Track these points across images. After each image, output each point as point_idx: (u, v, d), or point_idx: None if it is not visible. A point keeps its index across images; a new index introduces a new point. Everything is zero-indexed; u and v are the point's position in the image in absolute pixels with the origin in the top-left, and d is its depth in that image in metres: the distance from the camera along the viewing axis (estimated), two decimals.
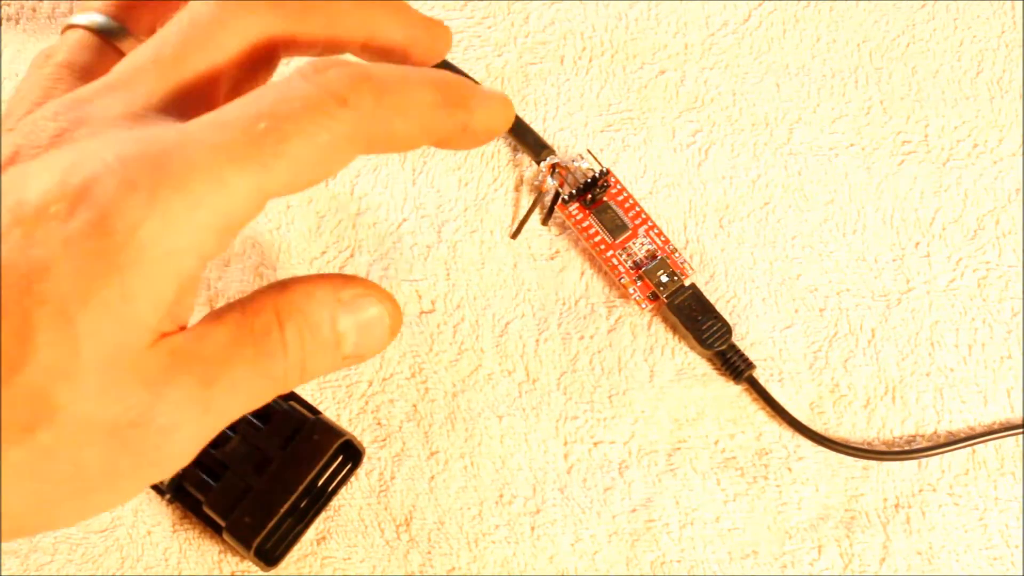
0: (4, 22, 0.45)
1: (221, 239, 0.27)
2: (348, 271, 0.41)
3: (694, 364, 0.40)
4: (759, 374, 0.40)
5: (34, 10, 0.45)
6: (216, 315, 0.28)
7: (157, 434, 0.26)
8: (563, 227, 0.42)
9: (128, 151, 0.26)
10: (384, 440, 0.40)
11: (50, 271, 0.25)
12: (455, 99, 0.30)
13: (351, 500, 0.39)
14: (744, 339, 0.40)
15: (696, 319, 0.40)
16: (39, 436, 0.25)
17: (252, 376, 0.28)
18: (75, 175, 0.26)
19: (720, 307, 0.41)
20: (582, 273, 0.41)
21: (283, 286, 0.29)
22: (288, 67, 0.29)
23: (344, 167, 0.28)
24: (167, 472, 0.27)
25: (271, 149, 0.26)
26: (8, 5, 0.45)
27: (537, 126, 0.43)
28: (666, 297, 0.40)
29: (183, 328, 0.27)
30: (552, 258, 0.42)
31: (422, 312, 0.41)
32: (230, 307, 0.28)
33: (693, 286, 0.40)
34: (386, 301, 0.31)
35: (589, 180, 0.41)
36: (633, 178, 0.42)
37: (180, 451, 0.27)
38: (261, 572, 0.38)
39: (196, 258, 0.26)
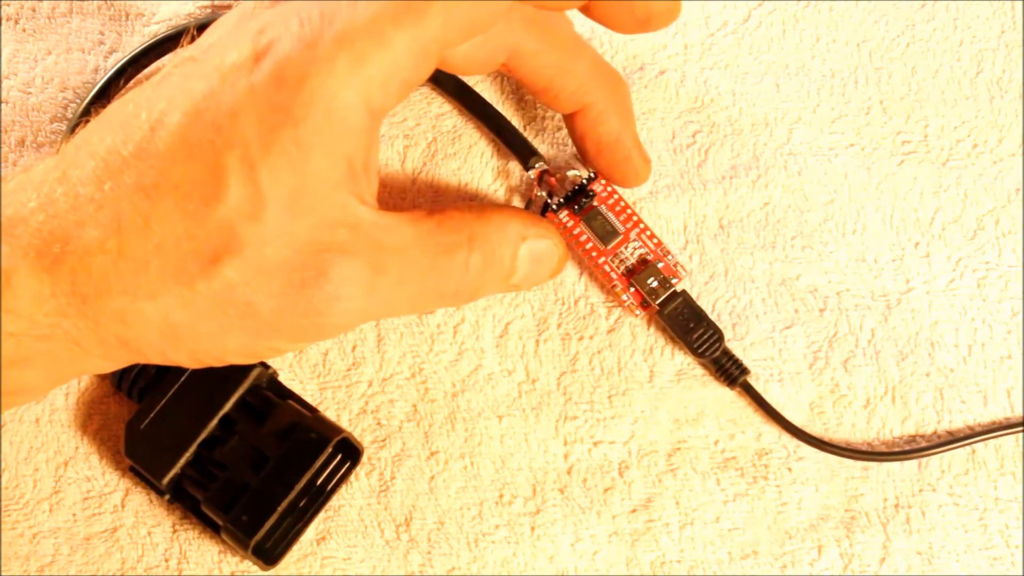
0: (4, 22, 0.45)
1: (388, 92, 0.28)
2: None
3: (694, 365, 0.40)
4: (759, 374, 0.40)
5: (34, 10, 0.45)
6: (412, 216, 0.30)
7: (323, 299, 0.28)
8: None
9: (308, 13, 0.28)
10: (384, 440, 0.40)
11: (237, 117, 0.27)
12: None
13: (351, 500, 0.39)
14: (744, 339, 0.40)
15: (688, 327, 0.39)
16: (224, 270, 0.27)
17: (422, 281, 0.30)
18: (264, 36, 0.28)
19: (719, 307, 0.41)
20: (581, 273, 0.41)
21: (481, 212, 0.32)
22: None
23: (500, 14, 0.29)
24: (325, 335, 0.30)
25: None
26: (8, 5, 0.45)
27: (536, 127, 0.43)
28: (657, 304, 0.40)
29: (371, 207, 0.29)
30: None
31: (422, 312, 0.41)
32: (430, 215, 0.31)
33: (684, 293, 0.40)
34: (560, 245, 0.35)
35: (578, 187, 0.41)
36: None
37: (340, 322, 0.29)
38: (261, 572, 0.38)
39: (365, 111, 0.28)
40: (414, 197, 0.42)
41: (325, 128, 0.27)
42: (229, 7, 0.44)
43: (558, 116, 0.43)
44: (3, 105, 0.44)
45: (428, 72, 0.29)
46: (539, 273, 0.34)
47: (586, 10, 0.34)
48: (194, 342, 0.29)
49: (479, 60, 0.31)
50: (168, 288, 0.27)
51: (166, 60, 0.44)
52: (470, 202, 0.33)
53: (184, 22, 0.44)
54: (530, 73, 0.35)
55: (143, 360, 0.30)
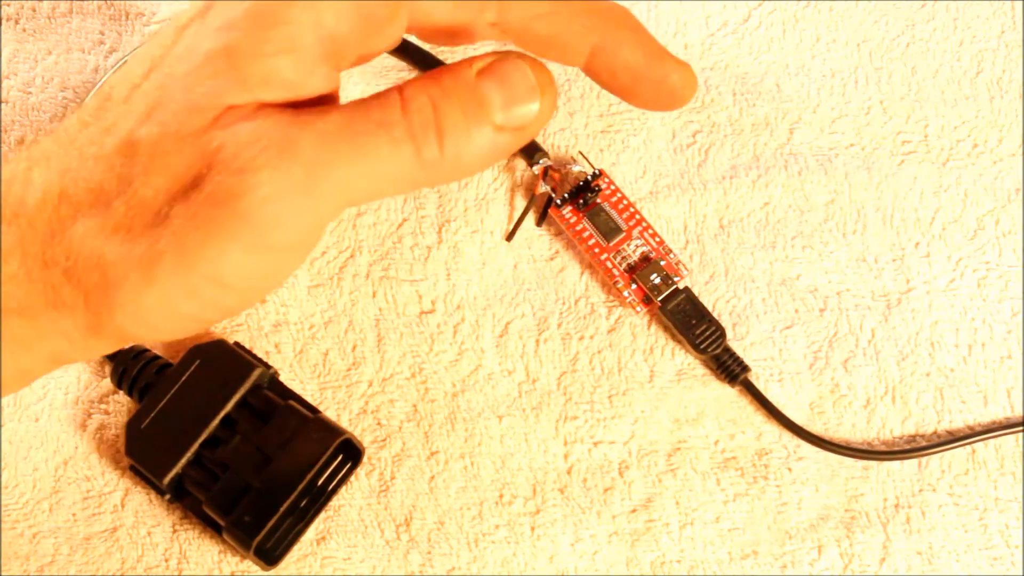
0: (4, 22, 0.45)
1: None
2: (348, 271, 0.42)
3: (694, 364, 0.40)
4: (758, 375, 0.40)
5: (34, 10, 0.45)
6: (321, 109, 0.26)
7: (254, 206, 0.25)
8: (560, 228, 0.42)
9: None
10: (384, 440, 0.40)
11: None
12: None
13: (351, 500, 0.39)
14: (744, 339, 0.40)
15: (690, 323, 0.40)
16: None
17: (361, 153, 0.26)
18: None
19: (720, 307, 0.41)
20: (582, 273, 0.41)
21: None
22: None
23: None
24: (288, 257, 0.26)
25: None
26: (8, 5, 0.45)
27: None
28: (660, 300, 0.40)
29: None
30: (552, 258, 0.42)
31: (422, 312, 0.41)
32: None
33: (687, 289, 0.40)
34: (525, 58, 0.28)
35: (582, 183, 0.41)
36: (633, 179, 0.42)
37: (279, 222, 0.25)
38: (261, 572, 0.38)
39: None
40: (415, 197, 0.42)
41: None
42: None
43: (560, 115, 0.43)
44: (3, 105, 0.44)
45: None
46: (520, 93, 0.27)
47: (592, 73, 0.31)
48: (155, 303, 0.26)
49: (461, 20, 0.28)
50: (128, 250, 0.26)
51: None
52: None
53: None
54: (525, 30, 0.30)
55: (116, 335, 0.28)
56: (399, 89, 0.26)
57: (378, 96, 0.26)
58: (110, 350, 0.28)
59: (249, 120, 0.25)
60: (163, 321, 0.27)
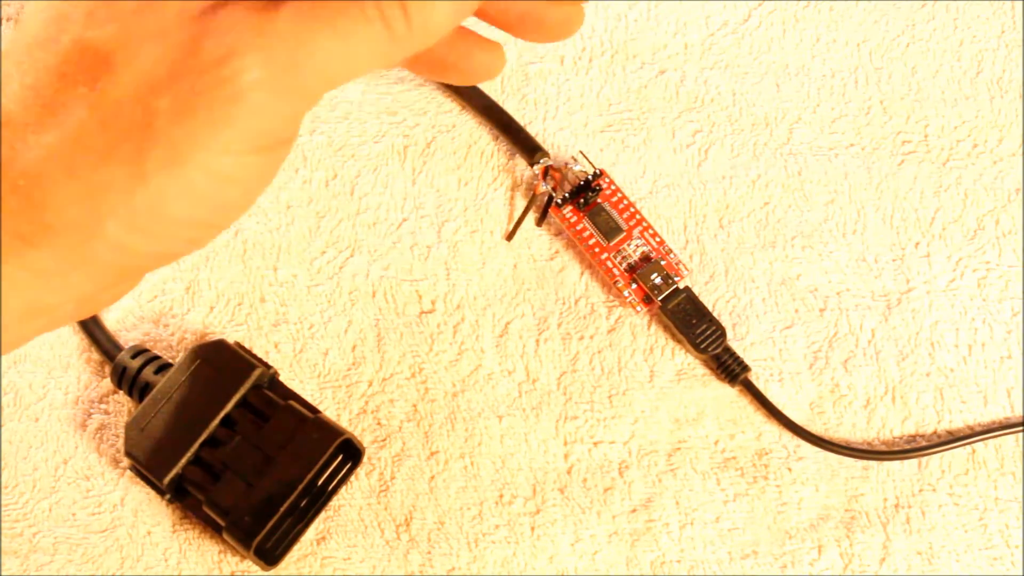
0: (4, 22, 0.45)
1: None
2: (348, 271, 0.41)
3: (694, 364, 0.40)
4: (758, 375, 0.40)
5: None
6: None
7: (215, 65, 0.25)
8: (560, 228, 0.42)
9: None
10: (384, 440, 0.40)
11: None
12: None
13: (351, 500, 0.39)
14: (744, 339, 0.40)
15: (691, 323, 0.40)
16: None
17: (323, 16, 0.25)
18: None
19: (720, 307, 0.41)
20: (582, 273, 0.41)
21: None
22: None
23: None
24: (248, 119, 0.25)
25: None
26: (8, 5, 0.45)
27: (537, 126, 0.43)
28: (660, 300, 0.40)
29: None
30: (552, 258, 0.42)
31: (422, 312, 0.41)
32: None
33: (687, 289, 0.40)
34: None
35: (582, 183, 0.41)
36: (633, 178, 0.42)
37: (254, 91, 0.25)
38: (261, 572, 0.38)
39: None
40: (415, 197, 0.42)
41: None
42: None
43: (560, 114, 0.43)
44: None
45: None
46: None
47: (482, 14, 0.30)
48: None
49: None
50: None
51: None
52: None
53: None
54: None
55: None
56: None
57: None
58: (94, 286, 0.26)
59: (221, 8, 0.25)
60: (158, 227, 0.25)
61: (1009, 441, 0.39)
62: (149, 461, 0.37)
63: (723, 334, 0.39)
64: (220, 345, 0.39)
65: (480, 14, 0.32)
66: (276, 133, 0.26)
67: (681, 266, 0.40)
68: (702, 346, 0.39)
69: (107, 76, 0.25)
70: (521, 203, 0.42)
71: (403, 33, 0.26)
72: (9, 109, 0.25)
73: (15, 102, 0.25)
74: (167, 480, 0.37)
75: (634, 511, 0.39)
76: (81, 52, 0.25)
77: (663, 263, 0.40)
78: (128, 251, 0.26)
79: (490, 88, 0.43)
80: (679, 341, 0.40)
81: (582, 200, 0.41)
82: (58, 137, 0.25)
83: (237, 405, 0.38)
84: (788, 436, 0.39)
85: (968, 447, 0.39)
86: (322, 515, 0.39)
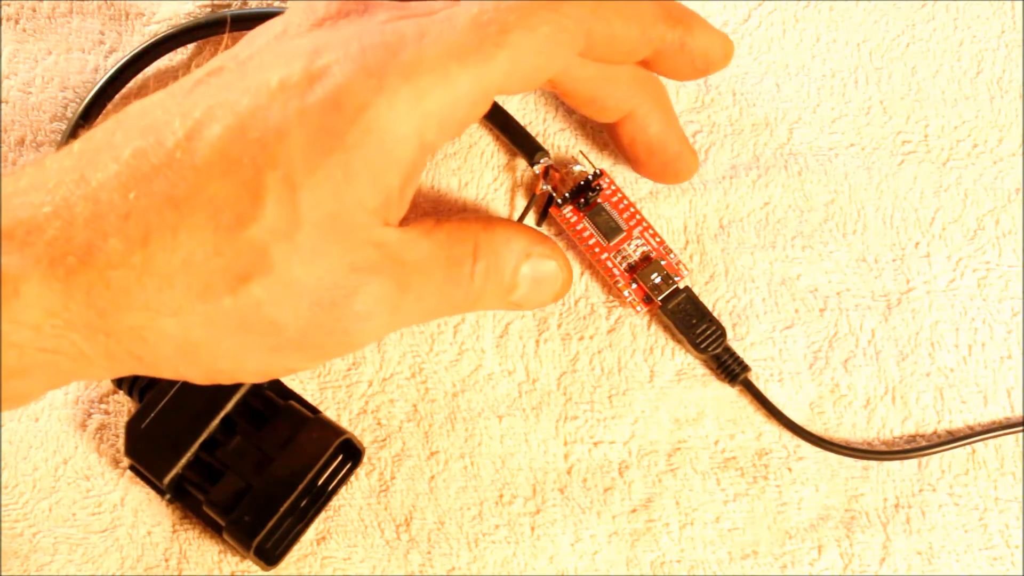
0: (4, 22, 0.45)
1: (443, 129, 0.28)
2: None
3: (694, 364, 0.40)
4: (758, 375, 0.40)
5: (34, 10, 0.45)
6: (425, 229, 0.30)
7: (350, 318, 0.28)
8: (560, 228, 0.42)
9: (371, 41, 0.27)
10: (384, 440, 0.40)
11: (284, 137, 0.27)
12: (677, 15, 0.33)
13: (351, 500, 0.39)
14: (744, 339, 0.40)
15: (691, 323, 0.40)
16: (252, 288, 0.27)
17: (437, 294, 0.30)
18: (319, 58, 0.27)
19: (720, 307, 0.41)
20: (582, 273, 0.41)
21: (488, 223, 0.32)
22: None
23: (562, 64, 0.29)
24: (345, 352, 0.30)
25: (493, 40, 0.27)
26: (8, 5, 0.45)
27: (537, 126, 0.43)
28: (660, 300, 0.40)
29: (397, 225, 0.29)
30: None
31: None
32: (439, 225, 0.31)
33: (688, 289, 0.40)
34: (564, 268, 0.34)
35: (582, 183, 0.41)
36: (633, 178, 0.42)
37: (364, 339, 0.29)
38: (261, 572, 0.38)
39: (418, 146, 0.28)
40: (414, 197, 0.42)
41: (376, 158, 0.27)
42: (228, 6, 0.44)
43: (560, 115, 0.43)
44: (3, 105, 0.44)
45: (482, 113, 0.29)
46: (541, 294, 0.33)
47: (645, 63, 0.33)
48: (212, 360, 0.28)
49: (531, 86, 0.31)
50: (192, 306, 0.27)
51: (193, 66, 0.44)
52: (477, 214, 0.33)
53: (184, 22, 0.44)
54: (575, 87, 0.34)
55: (152, 374, 0.29)
56: (473, 257, 0.31)
57: (459, 247, 0.31)
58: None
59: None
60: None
61: (1009, 441, 0.39)
62: (149, 461, 0.37)
63: (723, 334, 0.39)
64: None
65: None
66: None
67: (681, 266, 0.40)
68: (702, 346, 0.39)
69: None
70: (521, 203, 0.42)
71: (459, 304, 0.32)
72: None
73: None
74: (167, 480, 0.37)
75: (634, 511, 0.39)
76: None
77: (663, 263, 0.40)
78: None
79: None
80: (679, 341, 0.40)
81: (582, 200, 0.41)
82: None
83: (237, 405, 0.38)
84: (788, 436, 0.39)
85: (968, 447, 0.39)
86: (322, 515, 0.39)
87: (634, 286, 0.40)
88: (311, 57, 0.27)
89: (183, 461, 0.37)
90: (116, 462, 0.40)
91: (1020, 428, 0.39)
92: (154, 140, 0.27)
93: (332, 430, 0.37)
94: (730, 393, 0.40)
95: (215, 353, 0.28)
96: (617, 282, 0.40)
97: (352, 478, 0.39)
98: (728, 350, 0.39)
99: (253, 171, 0.26)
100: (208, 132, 0.27)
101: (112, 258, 0.26)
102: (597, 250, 0.40)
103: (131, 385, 0.39)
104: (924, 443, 0.39)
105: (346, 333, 0.28)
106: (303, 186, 0.27)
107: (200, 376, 0.29)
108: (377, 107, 0.27)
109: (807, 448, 0.39)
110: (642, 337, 0.40)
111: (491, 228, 0.32)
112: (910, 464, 0.39)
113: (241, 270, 0.27)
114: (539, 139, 0.42)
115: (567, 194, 0.41)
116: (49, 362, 0.27)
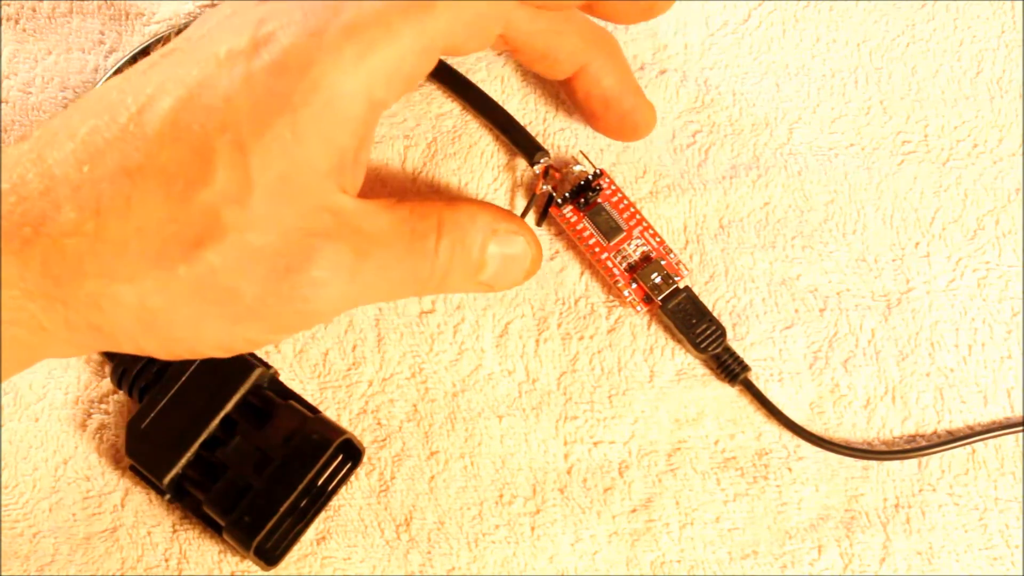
0: (4, 22, 0.45)
1: (391, 85, 0.28)
2: None
3: (694, 364, 0.40)
4: (758, 375, 0.40)
5: (34, 10, 0.45)
6: (387, 204, 0.31)
7: (307, 285, 0.28)
8: (560, 228, 0.42)
9: (312, 6, 0.28)
10: (384, 440, 0.40)
11: (232, 102, 0.27)
12: None
13: (351, 500, 0.39)
14: (744, 339, 0.40)
15: (691, 322, 0.40)
16: (206, 254, 0.27)
17: (399, 267, 0.30)
18: (264, 26, 0.28)
19: (720, 307, 0.41)
20: (582, 273, 0.41)
21: (452, 201, 0.32)
22: None
23: (504, 12, 0.30)
24: (305, 324, 0.30)
25: None
26: (8, 5, 0.45)
27: (537, 126, 0.43)
28: (660, 300, 0.40)
29: (352, 197, 0.29)
30: (552, 258, 0.42)
31: (422, 312, 0.41)
32: (401, 202, 0.31)
33: (687, 289, 0.40)
34: (532, 245, 0.34)
35: (582, 183, 0.41)
36: (633, 178, 0.42)
37: (322, 308, 0.29)
38: (261, 572, 0.38)
39: (366, 103, 0.28)
40: (414, 198, 0.42)
41: (324, 116, 0.27)
42: None
43: (560, 115, 0.43)
44: (3, 105, 0.44)
45: (429, 68, 0.29)
46: (511, 273, 0.33)
47: (588, 8, 0.34)
48: (169, 329, 0.28)
49: (478, 40, 0.31)
50: (147, 272, 0.27)
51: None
52: (440, 194, 0.33)
53: (184, 22, 0.44)
54: (526, 41, 0.34)
55: (113, 348, 0.29)
56: (437, 232, 0.31)
57: (423, 222, 0.31)
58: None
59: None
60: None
61: (1009, 441, 0.39)
62: (149, 461, 0.37)
63: (723, 334, 0.39)
64: None
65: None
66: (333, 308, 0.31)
67: (681, 266, 0.40)
68: (702, 346, 0.39)
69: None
70: (521, 203, 0.42)
71: (426, 282, 0.32)
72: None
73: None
74: (167, 480, 0.37)
75: (634, 511, 0.39)
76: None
77: (663, 263, 0.40)
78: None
79: (490, 88, 0.43)
80: (679, 341, 0.40)
81: (582, 200, 0.41)
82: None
83: (237, 405, 0.38)
84: (788, 436, 0.39)
85: (968, 447, 0.39)
86: (322, 515, 0.39)
87: (634, 286, 0.40)
88: (257, 26, 0.28)
89: (183, 461, 0.37)
90: (116, 462, 0.40)
91: (1020, 428, 0.39)
92: (108, 118, 0.27)
93: (332, 430, 0.37)
94: (730, 393, 0.40)
95: (172, 322, 0.28)
96: (617, 282, 0.40)
97: (352, 478, 0.39)
98: (728, 350, 0.39)
99: (203, 137, 0.27)
100: (159, 104, 0.27)
101: (66, 227, 0.26)
102: (597, 250, 0.40)
103: (131, 385, 0.39)
104: (924, 443, 0.39)
105: (304, 300, 0.28)
106: (252, 149, 0.27)
107: (159, 348, 0.29)
108: (322, 65, 0.27)
109: (807, 448, 0.39)
110: (642, 337, 0.41)
111: (455, 206, 0.32)
112: (910, 464, 0.39)
113: (194, 236, 0.27)
114: (539, 139, 0.42)
115: (567, 194, 0.41)
116: (8, 337, 0.27)
